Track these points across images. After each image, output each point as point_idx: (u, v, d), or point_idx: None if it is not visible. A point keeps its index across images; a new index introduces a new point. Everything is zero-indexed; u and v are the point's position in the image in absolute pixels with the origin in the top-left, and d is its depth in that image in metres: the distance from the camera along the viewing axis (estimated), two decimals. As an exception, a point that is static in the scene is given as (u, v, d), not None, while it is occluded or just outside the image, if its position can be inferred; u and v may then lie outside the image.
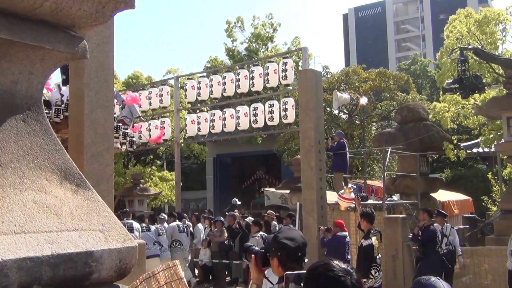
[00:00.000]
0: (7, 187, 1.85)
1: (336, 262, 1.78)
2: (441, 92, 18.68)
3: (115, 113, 7.05)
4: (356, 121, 24.27)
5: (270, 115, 11.62)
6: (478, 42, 17.18)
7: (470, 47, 13.90)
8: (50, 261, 1.76)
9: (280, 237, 2.92)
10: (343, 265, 1.77)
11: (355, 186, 12.87)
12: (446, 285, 2.44)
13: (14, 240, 1.71)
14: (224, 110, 12.79)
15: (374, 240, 7.77)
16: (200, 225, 13.63)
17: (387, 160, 13.67)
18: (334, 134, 13.07)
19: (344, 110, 25.14)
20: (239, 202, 17.53)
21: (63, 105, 7.26)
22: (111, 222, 2.11)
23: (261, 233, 10.98)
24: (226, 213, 14.57)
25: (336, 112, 24.14)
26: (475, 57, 14.63)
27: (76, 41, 2.17)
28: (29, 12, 1.96)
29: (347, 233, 8.88)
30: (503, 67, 12.60)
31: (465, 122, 16.16)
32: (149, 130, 14.16)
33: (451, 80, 13.75)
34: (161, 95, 14.08)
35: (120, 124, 8.17)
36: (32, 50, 2.03)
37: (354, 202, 10.07)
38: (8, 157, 1.92)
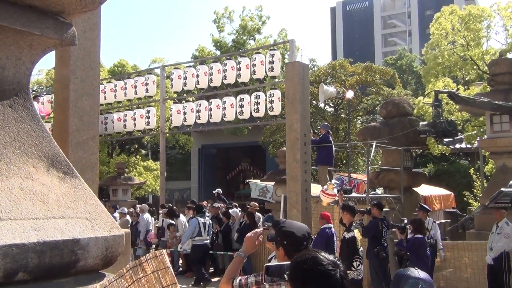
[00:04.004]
0: (-7, 174, 1.83)
1: (323, 255, 1.78)
2: (426, 88, 18.83)
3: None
4: (342, 115, 24.37)
5: (256, 106, 11.58)
6: (463, 38, 17.33)
7: (445, 90, 13.99)
8: (36, 248, 1.75)
9: (286, 227, 2.98)
10: (331, 257, 1.77)
11: (338, 182, 12.93)
12: (422, 274, 2.48)
13: (0, 227, 1.70)
14: (210, 100, 12.69)
15: (356, 232, 7.86)
16: (182, 216, 13.60)
17: (372, 154, 13.76)
18: (319, 127, 13.07)
19: (330, 104, 25.22)
20: (217, 191, 17.03)
21: None
22: (98, 210, 2.11)
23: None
24: (207, 203, 14.56)
25: (322, 105, 24.21)
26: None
27: (65, 28, 2.15)
28: (17, -3, 1.94)
29: (332, 225, 8.92)
30: (483, 108, 12.27)
31: (449, 118, 16.31)
32: (134, 119, 14.05)
33: (426, 123, 14.06)
34: (146, 84, 13.95)
35: None
36: (21, 35, 2.00)
37: (337, 197, 10.12)
38: (-6, 143, 1.90)
